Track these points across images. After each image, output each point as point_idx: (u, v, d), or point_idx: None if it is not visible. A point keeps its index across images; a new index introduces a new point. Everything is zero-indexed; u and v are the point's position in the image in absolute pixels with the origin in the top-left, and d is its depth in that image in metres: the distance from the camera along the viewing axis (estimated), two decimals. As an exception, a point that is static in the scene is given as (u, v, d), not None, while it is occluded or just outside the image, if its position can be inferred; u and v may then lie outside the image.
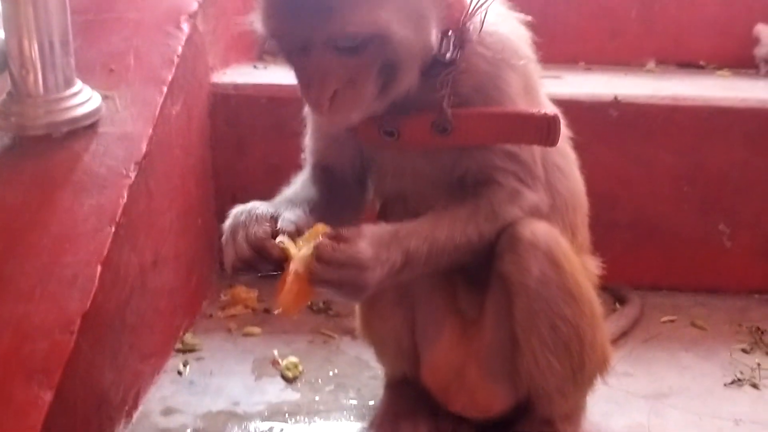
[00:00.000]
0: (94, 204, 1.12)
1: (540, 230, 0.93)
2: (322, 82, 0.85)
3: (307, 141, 1.08)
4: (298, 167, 1.53)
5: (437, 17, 0.88)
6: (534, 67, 0.98)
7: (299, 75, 0.89)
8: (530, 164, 0.96)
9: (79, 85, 1.21)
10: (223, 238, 0.93)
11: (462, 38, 0.91)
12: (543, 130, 0.89)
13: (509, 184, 0.95)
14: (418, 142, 0.94)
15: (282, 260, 0.88)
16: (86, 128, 1.20)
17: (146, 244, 1.21)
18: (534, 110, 0.91)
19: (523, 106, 0.93)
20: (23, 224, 1.09)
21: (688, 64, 2.00)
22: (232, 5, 1.70)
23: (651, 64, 1.98)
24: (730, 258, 1.56)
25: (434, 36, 0.89)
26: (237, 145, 1.55)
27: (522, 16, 0.98)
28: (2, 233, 1.08)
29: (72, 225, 1.09)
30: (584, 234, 1.06)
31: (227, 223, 0.93)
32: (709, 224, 1.55)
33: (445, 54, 0.90)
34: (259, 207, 0.94)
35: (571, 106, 1.51)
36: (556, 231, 0.95)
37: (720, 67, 1.97)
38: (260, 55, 1.94)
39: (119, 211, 1.11)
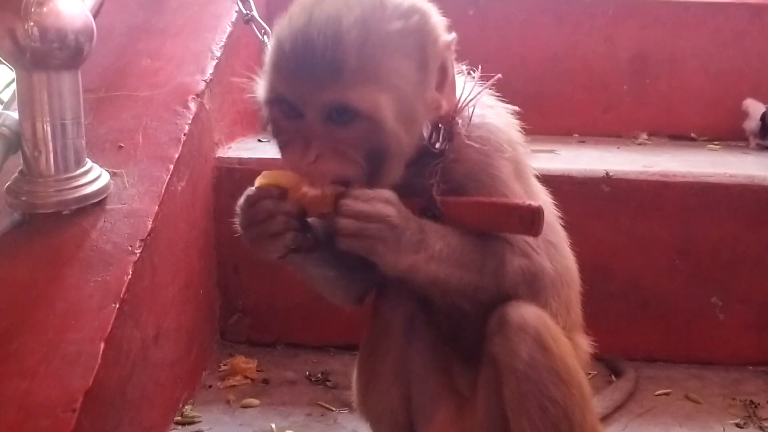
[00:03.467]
0: (99, 281, 1.15)
1: (529, 313, 0.96)
2: (307, 145, 0.89)
3: None
4: (298, 239, 1.59)
5: (427, 113, 0.93)
6: (523, 152, 1.03)
7: (285, 139, 0.93)
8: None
9: (89, 164, 1.26)
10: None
11: (451, 131, 0.96)
12: (527, 221, 0.93)
13: (519, 245, 0.98)
14: None
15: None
16: (94, 205, 1.25)
17: (149, 318, 1.24)
18: (520, 201, 0.95)
19: (515, 190, 0.98)
20: (30, 300, 1.12)
21: (680, 136, 2.07)
22: (237, 82, 1.77)
23: (643, 137, 2.04)
24: (723, 330, 1.58)
25: (425, 129, 0.93)
26: (240, 217, 1.59)
27: (509, 106, 1.03)
28: (10, 309, 1.11)
29: (77, 301, 1.12)
30: (577, 311, 1.09)
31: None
32: (702, 297, 1.57)
33: (435, 144, 0.95)
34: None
35: (564, 182, 1.58)
36: (545, 314, 0.98)
37: (711, 140, 2.03)
38: (264, 127, 2.01)
39: (124, 288, 1.14)
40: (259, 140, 1.80)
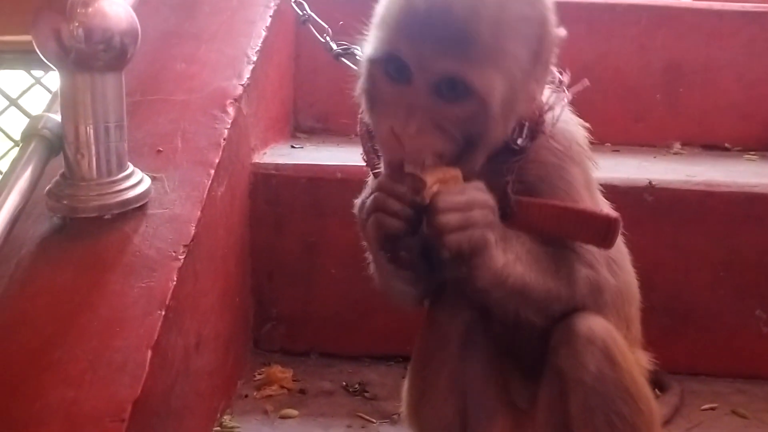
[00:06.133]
0: (143, 286, 1.12)
1: (597, 325, 0.93)
2: (410, 115, 0.84)
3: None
4: (334, 246, 1.57)
5: (523, 106, 0.90)
6: (592, 165, 1.01)
7: (385, 106, 0.88)
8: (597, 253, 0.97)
9: (130, 168, 1.24)
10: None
11: (536, 130, 0.93)
12: (602, 231, 0.90)
13: (585, 257, 0.95)
14: None
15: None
16: (136, 210, 1.22)
17: (191, 326, 1.21)
18: (597, 209, 0.93)
19: (586, 200, 0.95)
20: (73, 307, 1.09)
21: (714, 146, 2.04)
22: (270, 87, 1.76)
23: (677, 146, 2.02)
24: (767, 344, 1.55)
25: (513, 123, 0.91)
26: (275, 223, 1.57)
27: (581, 120, 1.01)
28: (52, 317, 1.08)
29: (122, 308, 1.09)
30: (637, 327, 1.06)
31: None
32: (746, 310, 1.54)
33: (516, 141, 0.92)
34: None
35: (606, 191, 1.55)
36: (612, 327, 0.95)
37: (745, 150, 2.00)
38: (294, 133, 1.99)
39: (169, 295, 1.11)
40: (292, 146, 1.78)
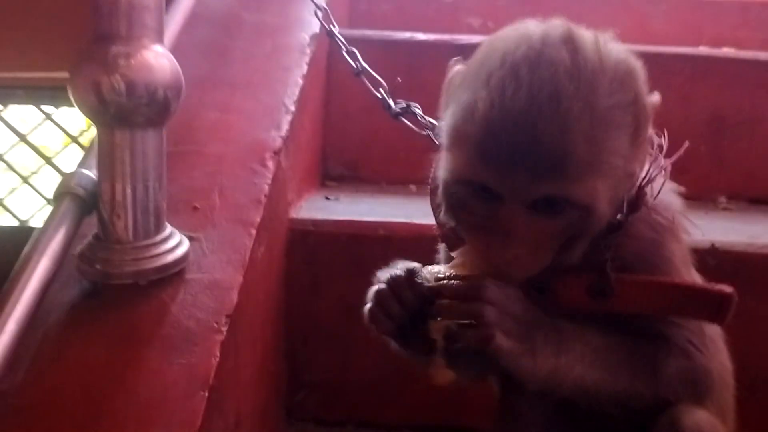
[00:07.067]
0: (184, 363, 1.02)
1: (704, 422, 0.85)
2: (508, 242, 0.78)
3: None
4: (374, 308, 1.47)
5: (627, 187, 0.83)
6: (688, 238, 0.92)
7: (476, 221, 0.82)
8: (701, 328, 0.89)
9: (168, 229, 1.15)
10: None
11: (636, 203, 0.85)
12: (714, 307, 0.83)
13: (678, 342, 0.87)
14: (570, 302, 0.87)
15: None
16: (173, 275, 1.13)
17: (230, 405, 1.11)
18: (708, 285, 0.85)
19: (684, 277, 0.89)
20: (107, 386, 0.99)
21: (760, 200, 1.96)
22: (305, 137, 1.68)
23: (722, 200, 1.94)
24: (837, 418, 1.45)
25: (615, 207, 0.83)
26: (312, 284, 1.47)
27: (676, 185, 0.93)
28: (84, 397, 0.98)
29: (161, 389, 0.99)
30: (732, 417, 0.96)
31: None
32: (815, 381, 1.45)
33: (616, 216, 0.84)
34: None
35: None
36: (718, 423, 0.86)
37: (794, 205, 1.92)
38: (323, 181, 1.91)
39: (212, 373, 1.02)
40: (327, 198, 1.69)
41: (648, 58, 1.94)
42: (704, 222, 1.67)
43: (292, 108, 1.50)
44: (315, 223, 1.47)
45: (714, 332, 0.96)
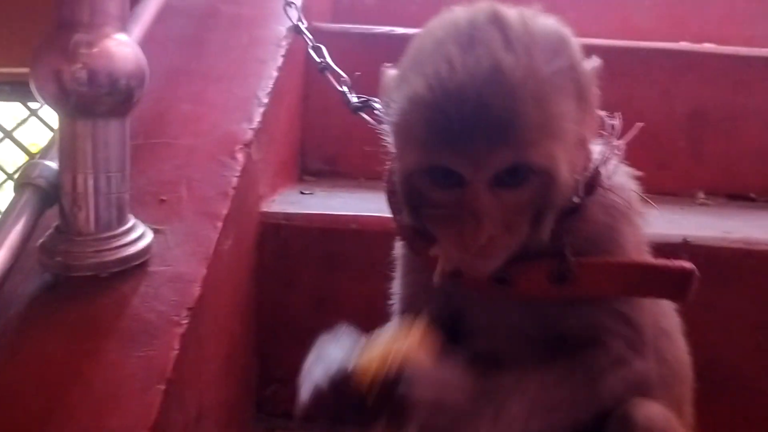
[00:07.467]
0: (142, 356, 1.01)
1: (656, 415, 0.83)
2: (478, 224, 0.76)
3: (395, 287, 0.99)
4: (346, 302, 1.46)
5: (579, 159, 0.82)
6: (644, 223, 0.92)
7: (442, 213, 0.80)
8: (641, 326, 0.87)
9: (131, 221, 1.13)
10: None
11: (592, 184, 0.84)
12: (676, 285, 0.82)
13: (616, 348, 0.86)
14: (532, 290, 0.86)
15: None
16: (135, 267, 1.12)
17: (192, 397, 1.10)
18: (670, 262, 0.84)
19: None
20: (65, 379, 0.98)
21: (738, 196, 1.95)
22: (280, 130, 1.67)
23: (701, 196, 1.93)
24: (809, 413, 1.44)
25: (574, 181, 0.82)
26: (283, 277, 1.46)
27: (632, 169, 0.92)
28: (41, 390, 0.97)
29: (118, 382, 0.98)
30: (689, 410, 0.96)
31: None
32: (788, 377, 1.44)
33: (572, 199, 0.83)
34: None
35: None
36: (671, 415, 0.85)
37: (772, 201, 1.92)
38: (301, 176, 1.89)
39: (170, 366, 1.01)
40: (302, 192, 1.68)
41: (629, 53, 1.97)
42: (679, 216, 1.69)
43: (265, 100, 1.49)
44: (287, 216, 1.46)
45: (670, 325, 0.95)
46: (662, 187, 1.98)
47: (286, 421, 1.46)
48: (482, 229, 0.76)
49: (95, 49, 1.05)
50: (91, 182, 1.08)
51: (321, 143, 1.93)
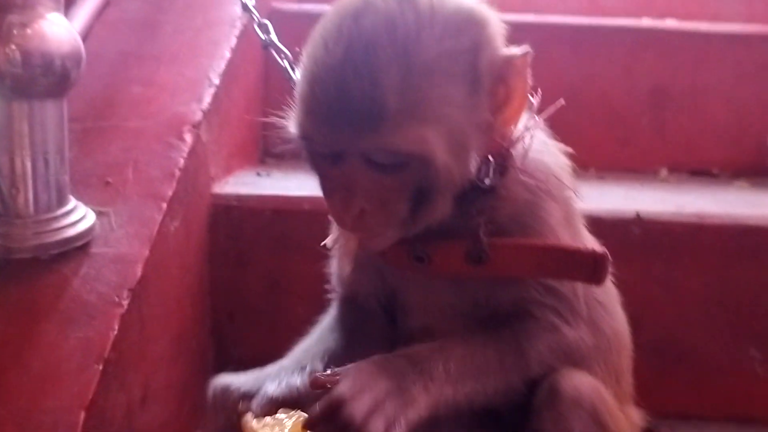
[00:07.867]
0: (81, 337, 1.01)
1: (584, 385, 0.84)
2: (350, 198, 0.78)
3: (332, 267, 0.99)
4: (301, 283, 1.46)
5: (479, 142, 0.81)
6: (575, 198, 0.91)
7: (326, 184, 0.83)
8: (570, 298, 0.88)
9: (72, 202, 1.13)
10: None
11: (504, 165, 0.84)
12: (589, 268, 0.82)
13: (545, 319, 0.86)
14: (449, 270, 0.87)
15: None
16: (77, 249, 1.11)
17: (135, 378, 1.10)
18: (580, 245, 0.84)
19: (564, 238, 0.87)
20: (2, 361, 0.98)
21: (701, 172, 1.96)
22: (236, 111, 1.65)
23: (663, 172, 1.94)
24: (762, 385, 1.45)
25: (474, 161, 0.82)
26: (237, 259, 1.46)
27: (562, 145, 0.92)
28: (-23, 372, 0.97)
29: (56, 362, 0.98)
30: (628, 379, 0.97)
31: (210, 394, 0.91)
32: (740, 349, 1.45)
33: (483, 180, 0.83)
34: (236, 383, 0.91)
35: (591, 223, 1.45)
36: (600, 385, 0.86)
37: (733, 176, 1.92)
38: (263, 158, 1.88)
39: (108, 346, 1.00)
40: (258, 174, 1.67)
41: (590, 31, 1.96)
42: (636, 192, 1.69)
43: (216, 81, 1.48)
44: (239, 198, 1.45)
45: (609, 297, 0.95)
46: (625, 164, 1.99)
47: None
48: (353, 203, 0.77)
49: (29, 30, 1.04)
50: (28, 164, 1.07)
51: (283, 126, 1.92)
